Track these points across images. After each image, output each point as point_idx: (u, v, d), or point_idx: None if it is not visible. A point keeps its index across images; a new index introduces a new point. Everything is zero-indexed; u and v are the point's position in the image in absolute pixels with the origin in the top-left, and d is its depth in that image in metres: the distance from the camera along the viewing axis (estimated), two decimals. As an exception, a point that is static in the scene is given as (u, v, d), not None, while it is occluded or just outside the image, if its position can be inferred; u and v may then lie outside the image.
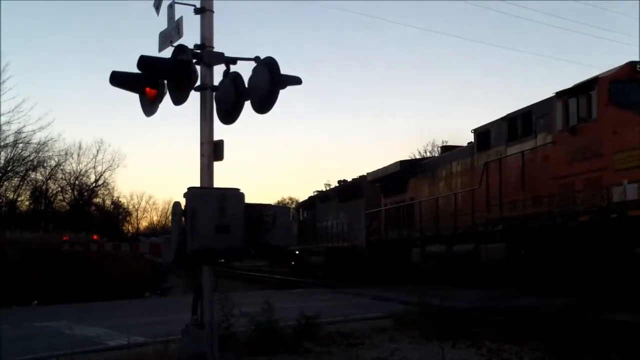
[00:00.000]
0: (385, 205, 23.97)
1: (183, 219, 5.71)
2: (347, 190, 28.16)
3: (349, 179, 29.88)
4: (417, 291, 10.94)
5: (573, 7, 72.76)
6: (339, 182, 31.14)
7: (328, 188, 35.51)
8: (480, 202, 16.98)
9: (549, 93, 15.22)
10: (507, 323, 9.18)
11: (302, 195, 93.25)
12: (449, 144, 25.43)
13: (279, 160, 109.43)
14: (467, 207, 17.76)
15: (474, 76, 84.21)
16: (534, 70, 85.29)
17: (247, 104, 6.24)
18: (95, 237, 27.52)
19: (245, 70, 6.24)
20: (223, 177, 6.40)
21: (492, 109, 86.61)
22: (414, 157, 33.66)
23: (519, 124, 15.86)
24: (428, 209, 20.28)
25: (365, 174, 26.13)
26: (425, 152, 47.34)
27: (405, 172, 22.13)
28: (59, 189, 47.90)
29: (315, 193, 34.12)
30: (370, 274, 22.09)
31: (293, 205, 37.94)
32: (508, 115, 16.33)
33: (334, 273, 26.37)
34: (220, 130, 6.31)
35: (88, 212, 48.63)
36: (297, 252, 34.00)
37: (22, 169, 40.49)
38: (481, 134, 17.73)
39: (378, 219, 24.32)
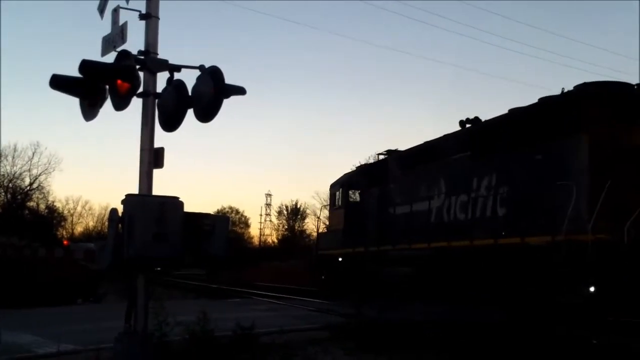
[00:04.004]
0: None
1: (120, 225, 5.65)
2: (519, 125, 12.90)
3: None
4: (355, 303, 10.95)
5: None
6: (463, 122, 14.99)
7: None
8: None
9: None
10: (444, 336, 9.26)
11: (242, 205, 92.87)
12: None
13: (220, 169, 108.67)
14: None
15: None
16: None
17: (190, 112, 6.23)
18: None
19: (189, 78, 6.24)
20: (162, 185, 6.37)
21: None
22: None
23: None
24: None
25: (581, 83, 11.99)
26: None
27: None
28: (-9, 191, 46.47)
29: (380, 155, 19.51)
30: None
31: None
32: None
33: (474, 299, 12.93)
34: (161, 138, 6.29)
35: (21, 215, 47.23)
36: (339, 259, 19.71)
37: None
38: None
39: None
